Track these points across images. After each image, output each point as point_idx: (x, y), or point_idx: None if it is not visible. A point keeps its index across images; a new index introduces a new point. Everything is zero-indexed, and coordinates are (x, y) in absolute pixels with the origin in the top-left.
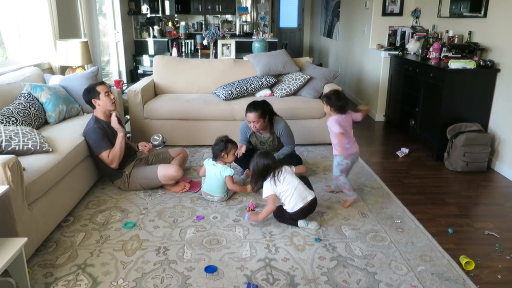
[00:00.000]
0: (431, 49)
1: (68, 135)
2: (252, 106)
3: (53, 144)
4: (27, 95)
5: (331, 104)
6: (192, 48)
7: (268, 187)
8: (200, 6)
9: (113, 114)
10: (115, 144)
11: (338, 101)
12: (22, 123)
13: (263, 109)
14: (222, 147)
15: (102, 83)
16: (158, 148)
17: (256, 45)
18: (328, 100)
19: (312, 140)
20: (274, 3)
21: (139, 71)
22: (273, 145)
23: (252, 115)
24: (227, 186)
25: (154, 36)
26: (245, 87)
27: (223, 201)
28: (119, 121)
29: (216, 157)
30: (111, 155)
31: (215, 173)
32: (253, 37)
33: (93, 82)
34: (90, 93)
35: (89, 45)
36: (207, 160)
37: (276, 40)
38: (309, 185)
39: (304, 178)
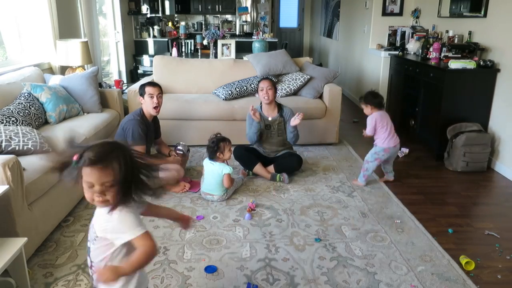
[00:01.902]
0: (431, 49)
1: (68, 135)
2: (265, 78)
3: (53, 144)
4: (27, 95)
5: (370, 103)
6: (192, 48)
7: None
8: (200, 6)
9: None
10: (161, 157)
11: (375, 98)
12: (22, 123)
13: (274, 82)
14: (215, 149)
15: (153, 84)
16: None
17: (256, 45)
18: (366, 100)
19: (312, 140)
20: (274, 3)
21: (139, 71)
22: (279, 129)
23: (266, 81)
24: (224, 184)
25: (154, 36)
26: (245, 87)
27: (223, 200)
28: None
29: (212, 158)
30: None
31: (214, 171)
32: (253, 37)
33: (147, 82)
34: (140, 89)
35: (89, 45)
36: (205, 160)
37: (276, 40)
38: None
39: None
